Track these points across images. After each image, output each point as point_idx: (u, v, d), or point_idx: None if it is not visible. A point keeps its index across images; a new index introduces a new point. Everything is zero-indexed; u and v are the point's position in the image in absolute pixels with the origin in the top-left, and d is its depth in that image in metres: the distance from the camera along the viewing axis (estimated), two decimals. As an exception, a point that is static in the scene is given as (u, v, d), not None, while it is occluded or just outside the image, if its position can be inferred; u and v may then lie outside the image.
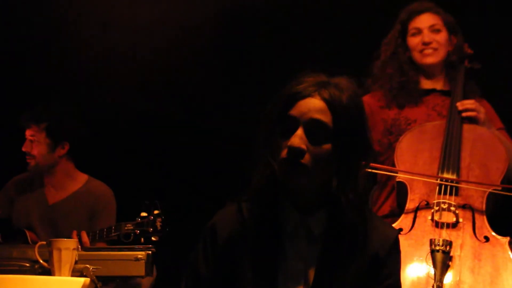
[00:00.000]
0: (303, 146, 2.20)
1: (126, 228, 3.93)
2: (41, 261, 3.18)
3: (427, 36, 3.91)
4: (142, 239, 3.88)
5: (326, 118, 2.22)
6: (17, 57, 5.02)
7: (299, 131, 2.21)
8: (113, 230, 3.99)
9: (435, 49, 3.91)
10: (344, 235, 2.26)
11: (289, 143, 2.20)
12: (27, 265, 3.34)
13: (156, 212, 3.90)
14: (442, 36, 3.92)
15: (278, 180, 2.26)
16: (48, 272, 3.14)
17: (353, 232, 2.26)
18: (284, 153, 2.21)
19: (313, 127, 2.22)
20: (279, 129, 2.25)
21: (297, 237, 2.28)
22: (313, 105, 2.23)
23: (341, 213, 2.26)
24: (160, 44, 4.92)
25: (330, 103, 2.23)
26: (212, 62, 4.93)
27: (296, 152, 2.20)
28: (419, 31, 3.94)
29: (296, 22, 4.80)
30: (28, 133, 4.35)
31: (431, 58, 3.93)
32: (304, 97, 2.24)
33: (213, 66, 4.93)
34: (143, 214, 3.92)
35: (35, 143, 4.33)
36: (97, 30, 4.90)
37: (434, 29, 3.92)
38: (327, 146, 2.23)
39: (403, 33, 3.99)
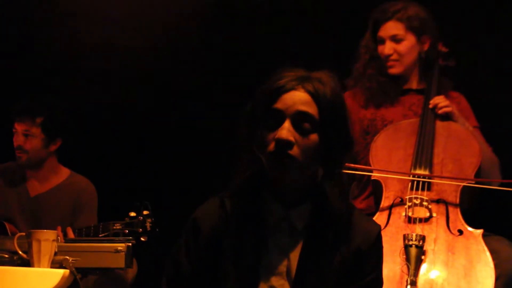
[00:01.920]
0: (291, 138, 2.20)
1: (114, 227, 3.90)
2: (20, 252, 3.19)
3: (388, 48, 3.91)
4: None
5: (312, 110, 2.24)
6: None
7: (286, 124, 2.22)
8: (100, 229, 3.95)
9: (397, 60, 3.91)
10: (327, 229, 2.27)
11: (277, 136, 2.21)
12: (6, 256, 3.33)
13: (145, 212, 3.88)
14: (404, 46, 3.91)
15: (262, 174, 2.28)
16: (27, 263, 3.14)
17: (336, 226, 2.27)
18: (271, 146, 2.21)
19: (299, 119, 2.23)
20: (263, 123, 2.25)
21: (279, 230, 2.28)
22: (298, 98, 2.24)
23: (325, 206, 2.28)
24: (146, 40, 4.91)
25: (315, 96, 2.25)
26: (198, 57, 4.93)
27: (285, 144, 2.20)
28: (382, 41, 3.94)
29: (280, 17, 4.81)
30: (21, 127, 4.27)
31: (394, 69, 3.94)
32: (288, 90, 2.25)
33: (199, 61, 4.92)
34: (132, 214, 3.89)
35: (30, 138, 4.26)
36: (80, 24, 4.87)
37: (395, 39, 3.91)
38: (314, 137, 2.24)
39: (375, 39, 3.99)
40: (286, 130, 2.21)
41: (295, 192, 2.29)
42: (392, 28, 3.92)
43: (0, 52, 4.94)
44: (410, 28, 3.90)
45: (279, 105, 2.24)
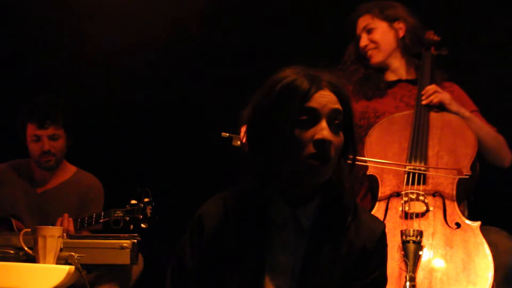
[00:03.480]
0: (332, 139, 2.21)
1: (115, 214, 3.96)
2: (26, 249, 3.19)
3: (362, 40, 4.04)
4: (132, 226, 3.93)
5: (340, 108, 2.26)
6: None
7: (324, 123, 2.21)
8: (102, 216, 4.01)
9: (374, 48, 4.02)
10: (333, 227, 2.28)
11: (320, 137, 2.19)
12: (12, 252, 3.32)
13: (146, 200, 3.94)
14: (376, 33, 4.02)
15: (268, 172, 2.26)
16: (32, 259, 3.15)
17: (342, 223, 2.29)
18: (310, 147, 2.19)
19: (333, 118, 2.23)
20: (293, 122, 2.22)
21: (285, 229, 2.30)
22: (329, 97, 2.24)
23: (335, 202, 2.29)
24: (149, 39, 4.93)
25: (339, 94, 2.27)
26: (199, 53, 4.95)
27: (329, 146, 2.20)
28: (359, 37, 4.05)
29: (281, 15, 4.83)
30: (47, 132, 4.31)
31: (374, 58, 4.04)
32: (318, 89, 2.24)
33: (203, 58, 4.96)
34: (133, 201, 3.95)
35: (57, 140, 4.33)
36: (83, 22, 4.90)
37: (367, 30, 4.02)
38: (341, 135, 2.26)
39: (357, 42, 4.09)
40: (326, 130, 2.21)
41: (306, 191, 2.30)
42: (362, 21, 4.06)
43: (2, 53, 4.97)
44: (377, 16, 4.03)
45: (313, 104, 2.22)
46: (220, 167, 3.25)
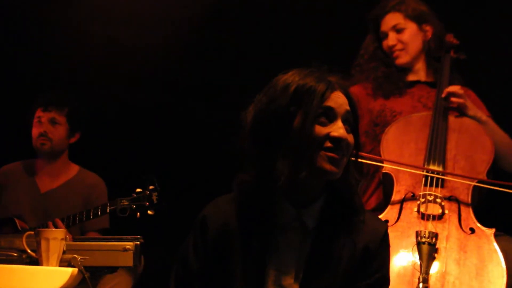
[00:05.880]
0: (348, 137, 2.25)
1: (122, 203, 3.99)
2: (29, 251, 3.19)
3: (391, 39, 3.98)
4: (138, 214, 3.96)
5: (350, 110, 2.29)
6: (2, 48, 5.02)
7: (340, 123, 2.24)
8: (108, 206, 4.04)
9: (402, 49, 3.97)
10: (337, 228, 2.28)
11: (336, 134, 2.22)
12: (15, 254, 3.32)
13: (151, 187, 3.97)
14: (406, 34, 3.97)
15: (273, 173, 2.24)
16: (36, 262, 3.13)
17: (346, 225, 2.28)
18: (328, 143, 2.22)
19: (347, 119, 2.27)
20: (313, 119, 2.22)
21: (290, 229, 2.29)
22: (343, 98, 2.27)
23: (340, 203, 2.29)
24: (154, 38, 4.94)
25: (348, 97, 2.30)
26: (204, 54, 4.97)
27: (345, 144, 2.23)
28: (385, 35, 4.00)
29: (284, 16, 4.83)
30: (47, 115, 4.37)
31: (401, 59, 3.99)
32: (334, 89, 2.27)
33: (206, 58, 4.96)
34: (139, 190, 3.99)
35: (56, 126, 4.38)
36: (88, 21, 4.91)
37: (397, 29, 3.97)
38: (352, 137, 2.28)
39: (379, 38, 4.04)
40: (343, 129, 2.24)
41: (311, 191, 2.30)
42: (391, 19, 3.99)
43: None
44: (409, 17, 3.97)
45: (331, 103, 2.25)
46: (221, 168, 3.21)
